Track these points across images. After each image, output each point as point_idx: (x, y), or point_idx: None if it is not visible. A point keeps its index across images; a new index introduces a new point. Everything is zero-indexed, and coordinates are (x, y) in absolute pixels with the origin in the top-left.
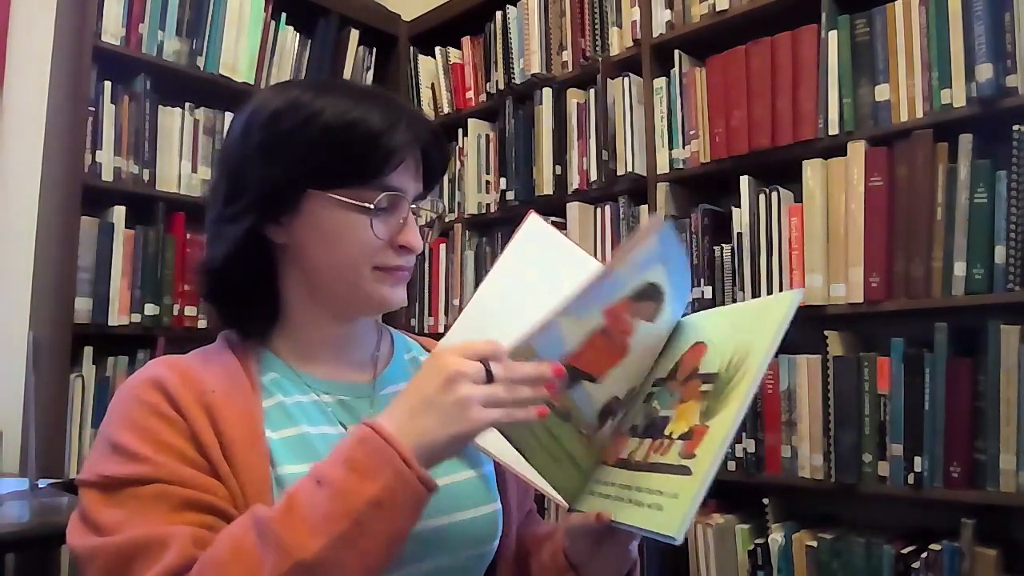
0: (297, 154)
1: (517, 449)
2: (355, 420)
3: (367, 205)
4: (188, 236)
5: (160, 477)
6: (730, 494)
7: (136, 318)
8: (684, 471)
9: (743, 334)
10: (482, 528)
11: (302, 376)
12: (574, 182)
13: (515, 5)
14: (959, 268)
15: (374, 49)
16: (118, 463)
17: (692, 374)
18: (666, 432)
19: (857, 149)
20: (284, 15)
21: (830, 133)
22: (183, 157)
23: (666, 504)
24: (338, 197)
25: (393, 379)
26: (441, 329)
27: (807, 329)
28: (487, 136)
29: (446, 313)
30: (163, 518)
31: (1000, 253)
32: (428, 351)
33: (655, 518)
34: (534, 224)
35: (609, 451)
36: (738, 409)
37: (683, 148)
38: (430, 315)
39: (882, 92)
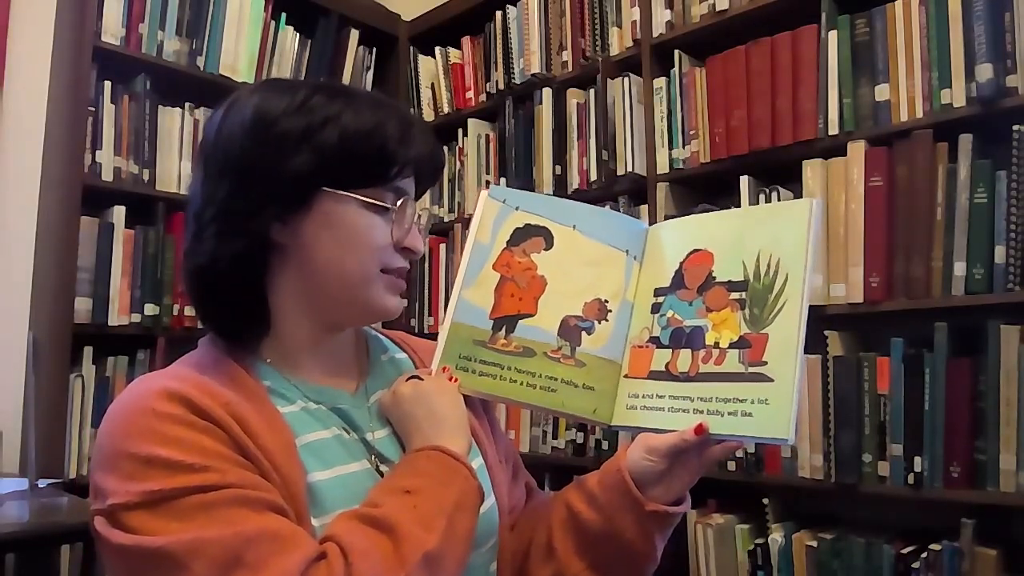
0: (314, 152)
1: (507, 401)
2: (356, 427)
3: (385, 205)
4: None
5: (231, 482)
6: (730, 494)
7: (136, 318)
8: (761, 378)
9: (758, 239)
10: (480, 526)
11: (294, 383)
12: (574, 182)
13: (515, 5)
14: (959, 268)
15: (374, 49)
16: (164, 477)
17: (708, 282)
18: (710, 342)
19: (857, 149)
20: (284, 15)
21: (830, 133)
22: (183, 157)
23: (756, 411)
24: (357, 196)
25: (375, 386)
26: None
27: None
28: (487, 136)
29: (446, 313)
30: (251, 520)
31: (1000, 253)
32: (401, 347)
33: (752, 425)
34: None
35: (633, 364)
36: (799, 314)
37: (683, 148)
38: (430, 315)
39: (882, 92)
